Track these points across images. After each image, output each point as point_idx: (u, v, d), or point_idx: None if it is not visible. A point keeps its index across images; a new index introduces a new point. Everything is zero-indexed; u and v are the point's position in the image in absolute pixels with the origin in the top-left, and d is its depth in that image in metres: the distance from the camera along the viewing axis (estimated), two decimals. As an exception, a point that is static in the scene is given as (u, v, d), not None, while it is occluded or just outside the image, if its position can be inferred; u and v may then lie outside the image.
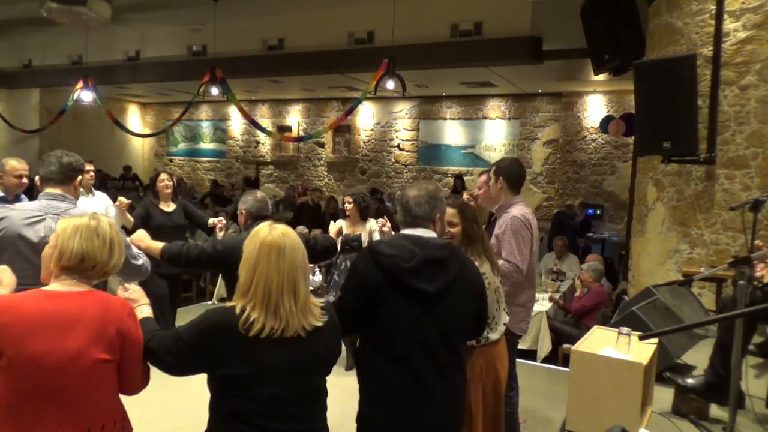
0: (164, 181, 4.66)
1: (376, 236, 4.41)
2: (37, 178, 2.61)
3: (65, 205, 2.52)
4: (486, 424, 2.41)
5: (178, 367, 1.74)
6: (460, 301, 2.05)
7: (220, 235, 4.11)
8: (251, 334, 1.64)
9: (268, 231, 1.74)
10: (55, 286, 1.64)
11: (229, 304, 1.73)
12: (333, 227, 3.59)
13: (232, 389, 1.69)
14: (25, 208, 2.51)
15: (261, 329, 1.64)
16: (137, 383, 1.74)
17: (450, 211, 2.48)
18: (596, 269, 5.52)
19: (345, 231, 4.48)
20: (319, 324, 1.75)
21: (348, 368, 4.64)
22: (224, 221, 4.27)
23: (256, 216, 2.92)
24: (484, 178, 3.46)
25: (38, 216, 2.45)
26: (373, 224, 4.58)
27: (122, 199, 4.25)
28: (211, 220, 4.56)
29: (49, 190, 2.54)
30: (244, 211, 2.98)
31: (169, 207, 4.64)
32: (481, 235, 2.54)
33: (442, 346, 2.01)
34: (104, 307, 1.65)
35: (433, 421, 2.01)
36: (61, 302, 1.60)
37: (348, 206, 4.69)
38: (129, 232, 4.58)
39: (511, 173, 3.20)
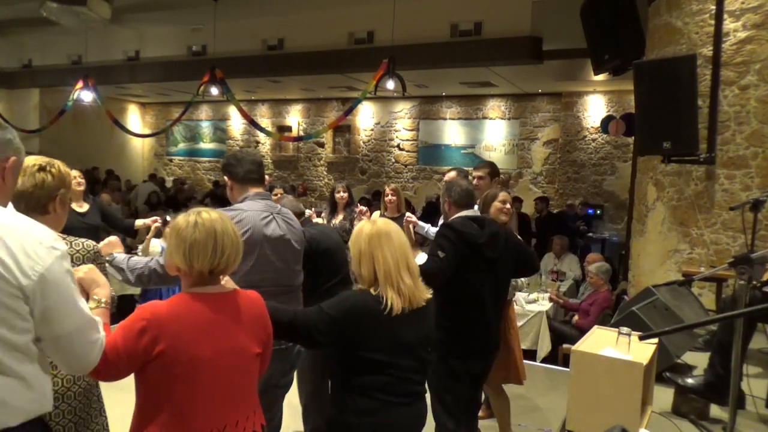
0: (76, 178, 4.36)
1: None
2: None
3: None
4: (521, 357, 3.45)
5: (322, 342, 1.90)
6: (507, 258, 2.87)
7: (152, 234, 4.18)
8: (389, 313, 1.85)
9: (370, 223, 1.99)
10: (202, 288, 1.64)
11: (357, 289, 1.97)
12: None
13: (369, 366, 1.88)
14: (255, 208, 2.42)
15: (393, 308, 1.86)
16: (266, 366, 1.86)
17: (508, 195, 3.31)
18: (606, 270, 5.49)
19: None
20: (429, 296, 2.00)
21: None
22: (160, 220, 4.19)
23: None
24: (453, 174, 4.21)
25: (268, 215, 2.42)
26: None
27: None
28: (141, 221, 4.41)
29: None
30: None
31: (82, 207, 4.35)
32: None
33: (498, 291, 2.88)
34: (250, 303, 1.72)
35: (492, 345, 2.91)
36: (224, 303, 1.65)
37: (276, 198, 5.07)
38: None
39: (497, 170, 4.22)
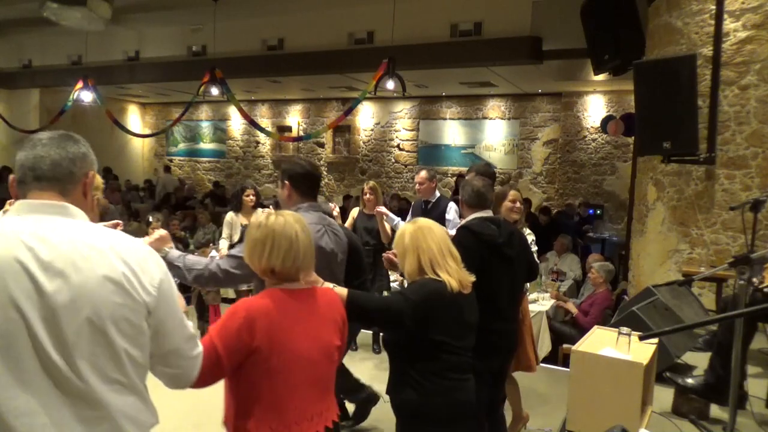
0: None
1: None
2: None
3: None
4: (532, 348, 3.45)
5: (409, 326, 2.03)
6: (523, 258, 2.91)
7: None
8: (452, 294, 2.04)
9: (412, 223, 2.18)
10: (284, 285, 1.71)
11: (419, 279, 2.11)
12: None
13: (441, 348, 2.07)
14: (310, 220, 2.45)
15: (453, 287, 2.05)
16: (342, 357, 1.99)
17: (518, 194, 3.36)
18: (609, 270, 5.47)
19: (243, 222, 5.20)
20: (474, 279, 2.19)
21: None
22: (121, 224, 4.04)
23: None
24: (424, 174, 4.50)
25: (321, 228, 2.50)
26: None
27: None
28: (102, 225, 4.25)
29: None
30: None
31: None
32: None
33: (514, 290, 2.89)
34: (328, 298, 1.81)
35: (510, 343, 2.90)
36: (307, 300, 1.73)
37: (249, 198, 5.23)
38: None
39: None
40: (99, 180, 2.48)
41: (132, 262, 1.26)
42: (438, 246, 2.11)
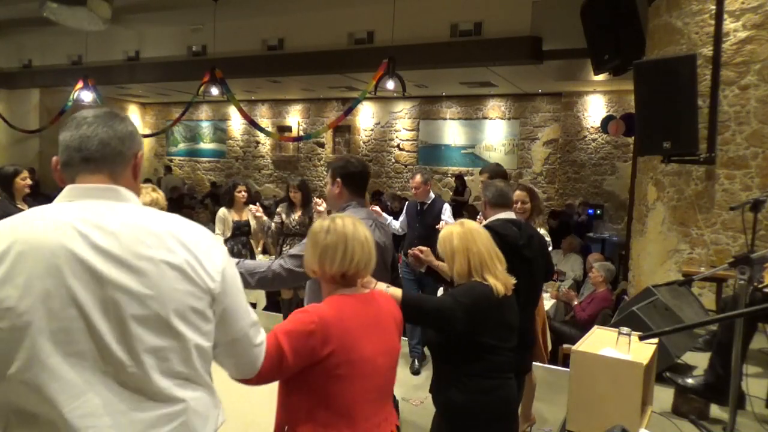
0: (27, 178, 4.07)
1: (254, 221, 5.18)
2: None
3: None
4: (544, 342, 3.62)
5: (458, 328, 2.06)
6: (541, 259, 2.92)
7: None
8: (498, 297, 2.07)
9: (459, 224, 2.20)
10: (347, 290, 1.69)
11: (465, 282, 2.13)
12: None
13: (487, 349, 2.11)
14: (361, 216, 2.42)
15: (499, 291, 2.08)
16: None
17: (522, 194, 3.42)
18: (609, 269, 5.47)
19: (234, 218, 5.28)
20: (515, 281, 2.22)
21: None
22: None
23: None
24: (419, 178, 4.59)
25: (372, 223, 2.51)
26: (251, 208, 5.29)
27: None
28: None
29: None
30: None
31: (25, 209, 4.06)
32: (541, 208, 3.45)
33: (531, 292, 2.87)
34: (387, 303, 1.79)
35: (526, 342, 2.81)
36: (371, 304, 1.71)
37: (241, 194, 5.25)
38: None
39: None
40: (163, 200, 2.47)
41: (193, 246, 1.16)
42: (486, 248, 2.15)
